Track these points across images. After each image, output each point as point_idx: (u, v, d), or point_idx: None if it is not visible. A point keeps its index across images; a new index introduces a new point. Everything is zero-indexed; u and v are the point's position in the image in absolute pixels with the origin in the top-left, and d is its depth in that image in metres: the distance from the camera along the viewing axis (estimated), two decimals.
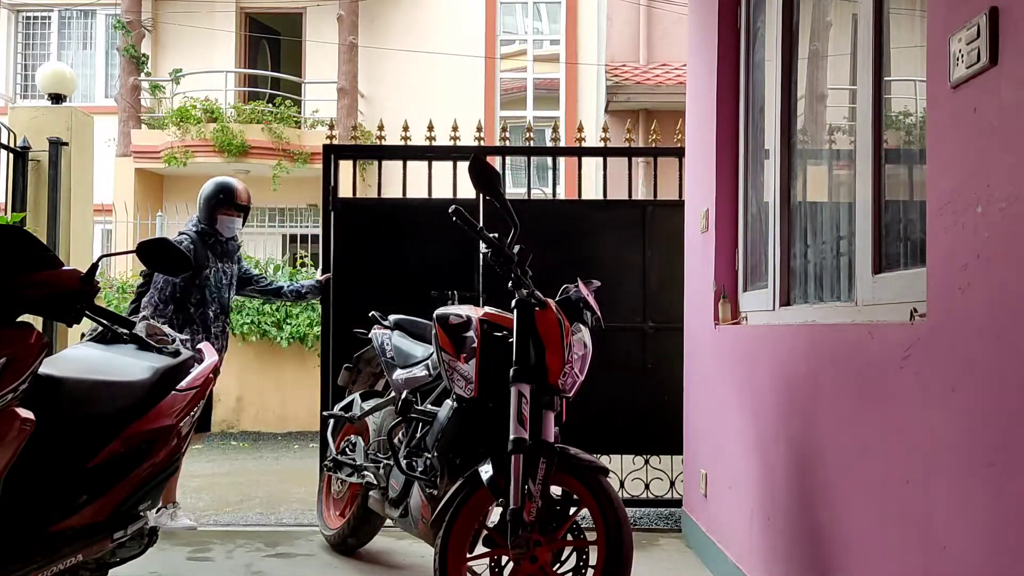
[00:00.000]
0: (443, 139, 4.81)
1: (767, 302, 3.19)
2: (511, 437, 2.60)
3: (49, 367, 2.41)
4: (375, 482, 3.44)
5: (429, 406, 3.16)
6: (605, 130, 4.88)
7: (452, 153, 4.83)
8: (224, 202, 4.35)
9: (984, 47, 1.63)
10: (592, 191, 7.84)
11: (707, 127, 3.88)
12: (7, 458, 2.00)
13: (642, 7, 10.55)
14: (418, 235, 4.66)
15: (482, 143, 4.80)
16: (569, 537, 2.71)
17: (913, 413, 1.91)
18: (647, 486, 4.55)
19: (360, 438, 3.77)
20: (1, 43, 13.56)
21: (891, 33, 2.32)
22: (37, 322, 4.26)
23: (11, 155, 4.97)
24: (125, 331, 2.63)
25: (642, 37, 10.61)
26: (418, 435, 3.16)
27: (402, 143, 4.89)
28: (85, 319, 2.46)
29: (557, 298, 2.96)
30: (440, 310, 3.03)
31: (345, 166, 4.93)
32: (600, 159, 4.91)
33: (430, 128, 4.89)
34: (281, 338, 8.22)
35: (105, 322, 2.57)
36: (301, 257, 10.06)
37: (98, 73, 13.59)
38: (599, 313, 3.01)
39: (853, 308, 2.39)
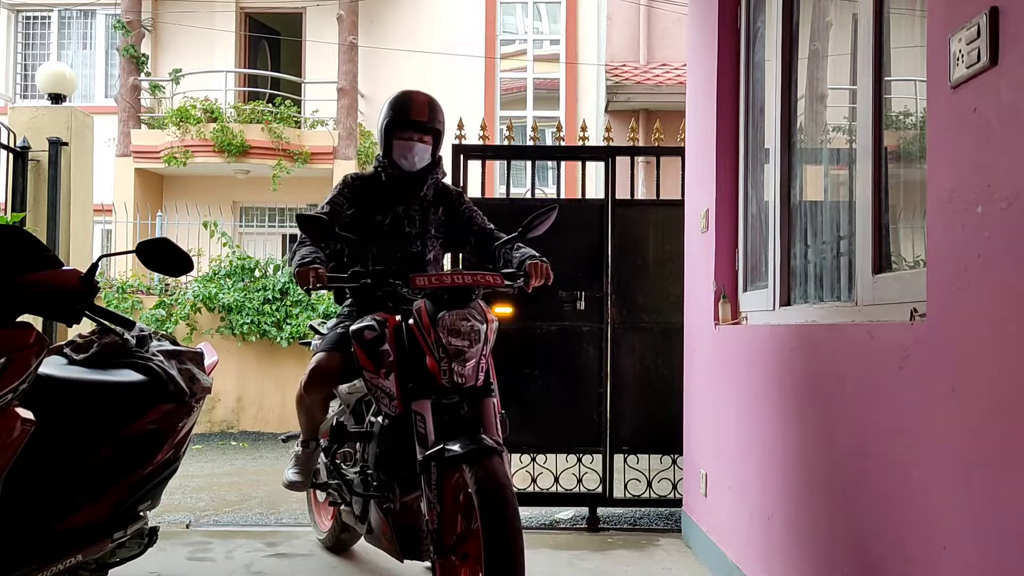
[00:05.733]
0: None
1: (767, 302, 3.19)
2: (418, 458, 2.55)
3: (49, 367, 2.41)
4: (338, 501, 3.30)
5: (371, 418, 2.99)
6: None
7: (581, 153, 4.83)
8: (396, 123, 3.14)
9: (984, 47, 1.63)
10: (593, 190, 7.84)
11: (707, 127, 3.88)
12: (7, 458, 2.00)
13: (642, 7, 10.55)
14: (547, 236, 4.53)
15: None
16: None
17: (913, 413, 1.91)
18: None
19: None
20: (1, 43, 13.56)
21: (891, 33, 2.32)
22: (37, 322, 4.26)
23: (11, 155, 4.98)
24: (122, 330, 2.62)
25: (642, 37, 10.61)
26: (360, 455, 3.05)
27: (531, 143, 4.89)
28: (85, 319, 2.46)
29: (427, 290, 2.68)
30: (355, 325, 2.89)
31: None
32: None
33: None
34: (281, 338, 8.22)
35: (105, 322, 2.57)
36: None
37: (98, 73, 13.58)
38: (476, 280, 2.69)
39: (853, 308, 2.39)
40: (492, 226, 3.32)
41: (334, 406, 3.47)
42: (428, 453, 2.53)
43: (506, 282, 2.80)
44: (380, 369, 2.77)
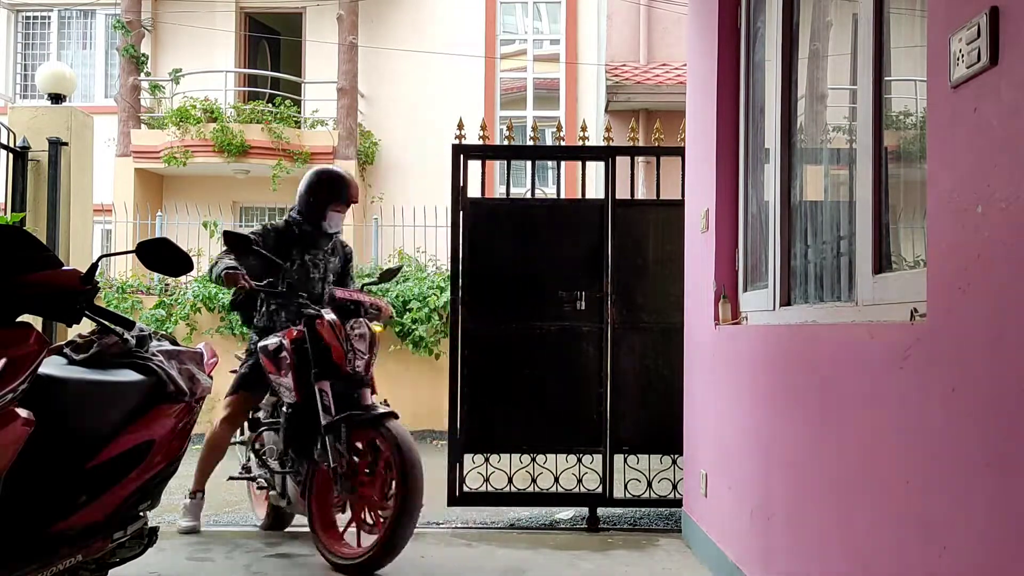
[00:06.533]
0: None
1: (767, 302, 3.19)
2: (323, 423, 3.46)
3: (49, 367, 2.41)
4: (266, 484, 4.09)
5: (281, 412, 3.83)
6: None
7: (581, 153, 4.83)
8: (334, 199, 3.97)
9: (984, 47, 1.63)
10: (593, 190, 7.84)
11: (707, 127, 3.88)
12: (7, 458, 2.00)
13: (642, 7, 10.55)
14: (547, 235, 4.62)
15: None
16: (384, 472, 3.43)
17: (913, 413, 1.91)
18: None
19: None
20: (1, 43, 13.56)
21: (891, 33, 2.32)
22: (37, 322, 4.26)
23: (11, 155, 4.97)
24: (122, 330, 2.62)
25: (642, 37, 10.60)
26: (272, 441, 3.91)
27: (531, 143, 4.88)
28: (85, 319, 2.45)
29: (336, 299, 3.71)
30: (261, 343, 3.80)
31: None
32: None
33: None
34: None
35: (105, 322, 2.57)
36: None
37: (98, 73, 13.57)
38: (369, 301, 3.78)
39: (853, 308, 2.39)
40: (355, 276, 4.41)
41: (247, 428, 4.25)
42: (338, 417, 3.45)
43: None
44: (280, 370, 3.68)
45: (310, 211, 3.98)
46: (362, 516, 3.48)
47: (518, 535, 4.29)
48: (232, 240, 3.56)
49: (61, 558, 2.32)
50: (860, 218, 2.36)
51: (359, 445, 3.52)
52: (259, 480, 4.11)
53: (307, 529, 4.32)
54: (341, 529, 3.60)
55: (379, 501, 3.41)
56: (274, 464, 3.87)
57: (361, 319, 3.64)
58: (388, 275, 4.22)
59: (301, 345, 3.60)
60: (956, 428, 1.73)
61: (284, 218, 4.08)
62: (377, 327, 3.85)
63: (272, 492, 4.06)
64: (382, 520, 3.39)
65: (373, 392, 3.66)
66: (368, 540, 3.44)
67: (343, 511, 3.56)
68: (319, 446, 3.52)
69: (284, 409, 3.70)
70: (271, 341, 3.71)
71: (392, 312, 4.11)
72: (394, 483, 3.31)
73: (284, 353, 3.61)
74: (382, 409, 3.46)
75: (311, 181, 4.00)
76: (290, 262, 3.95)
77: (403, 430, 3.37)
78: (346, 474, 3.43)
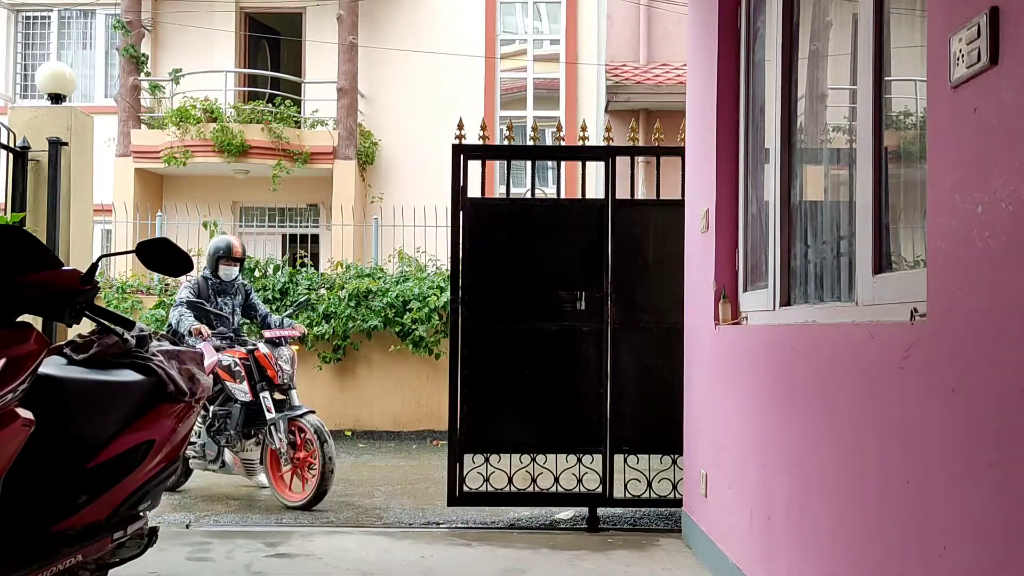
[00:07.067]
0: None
1: (767, 302, 3.19)
2: (268, 418, 5.14)
3: (49, 367, 2.41)
4: (192, 454, 5.44)
5: (219, 407, 5.38)
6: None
7: (581, 153, 4.82)
8: (222, 257, 5.62)
9: (984, 47, 1.63)
10: (593, 190, 7.83)
11: (707, 127, 3.88)
12: (7, 458, 2.00)
13: (642, 7, 10.55)
14: (547, 235, 4.64)
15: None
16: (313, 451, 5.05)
17: (913, 413, 1.91)
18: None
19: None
20: (1, 43, 13.56)
21: (891, 33, 2.32)
22: (37, 322, 4.26)
23: (11, 155, 4.97)
24: (122, 330, 2.62)
25: (642, 37, 10.60)
26: (216, 424, 5.34)
27: (531, 143, 4.87)
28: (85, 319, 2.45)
29: (266, 338, 5.36)
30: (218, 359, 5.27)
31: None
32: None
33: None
34: None
35: (105, 322, 2.57)
36: (301, 257, 10.05)
37: (98, 73, 13.58)
38: (288, 333, 5.43)
39: (853, 308, 2.39)
40: (266, 309, 5.92)
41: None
42: (281, 414, 5.13)
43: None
44: (235, 379, 5.22)
45: (211, 268, 5.64)
46: (300, 474, 5.12)
47: (518, 535, 4.30)
48: (192, 306, 5.38)
49: (61, 558, 2.32)
50: (860, 218, 2.36)
51: (292, 430, 5.14)
52: (193, 451, 5.51)
53: (304, 528, 4.38)
54: (287, 483, 5.20)
55: (307, 465, 5.08)
56: (220, 439, 5.36)
57: (283, 347, 5.31)
58: (300, 307, 6.08)
59: (246, 363, 5.24)
60: (956, 428, 1.73)
61: (203, 274, 5.70)
62: (295, 347, 5.57)
63: (198, 461, 5.47)
64: (309, 476, 5.05)
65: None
66: (305, 488, 5.06)
67: (291, 472, 5.20)
68: (268, 433, 5.15)
69: (235, 404, 5.27)
70: (224, 358, 5.25)
71: (304, 329, 5.83)
72: (316, 455, 5.00)
73: (238, 367, 5.21)
74: (304, 408, 5.18)
75: (208, 249, 5.71)
76: (211, 304, 5.57)
77: (317, 420, 5.10)
78: (288, 449, 5.11)
